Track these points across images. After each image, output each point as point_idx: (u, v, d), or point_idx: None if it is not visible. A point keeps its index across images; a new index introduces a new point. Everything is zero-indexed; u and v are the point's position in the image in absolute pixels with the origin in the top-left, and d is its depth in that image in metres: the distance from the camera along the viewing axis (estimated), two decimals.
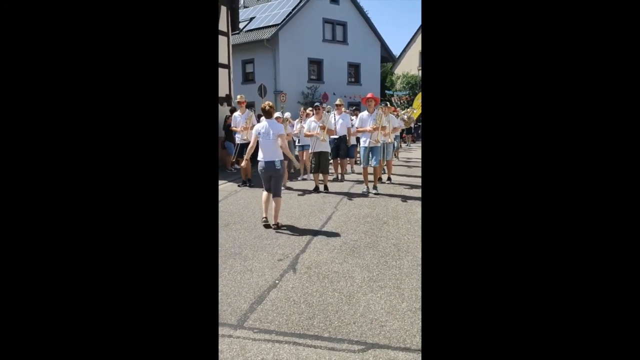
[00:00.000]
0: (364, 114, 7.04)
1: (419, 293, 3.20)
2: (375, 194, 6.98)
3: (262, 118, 5.24)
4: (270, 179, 5.06)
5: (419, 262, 3.87)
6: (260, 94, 14.85)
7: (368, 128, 6.79)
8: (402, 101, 19.71)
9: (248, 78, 20.18)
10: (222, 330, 2.72)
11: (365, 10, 22.45)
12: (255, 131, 5.19)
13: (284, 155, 5.18)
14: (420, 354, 2.36)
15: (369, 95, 7.11)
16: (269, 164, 5.00)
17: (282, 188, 5.71)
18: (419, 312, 2.90)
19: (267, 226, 5.04)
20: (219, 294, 3.25)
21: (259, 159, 5.12)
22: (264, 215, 5.10)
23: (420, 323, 2.73)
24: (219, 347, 2.50)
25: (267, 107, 5.09)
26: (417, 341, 2.57)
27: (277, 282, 3.49)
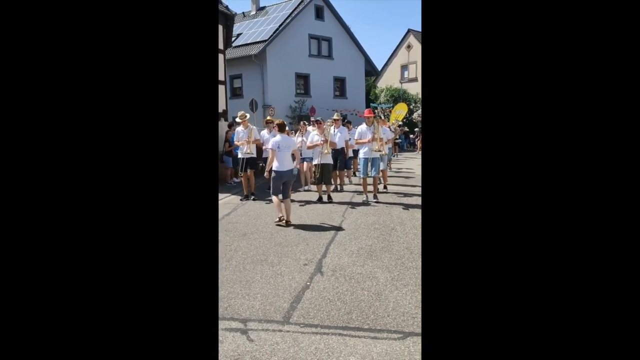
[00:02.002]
0: (363, 126, 7.53)
1: None
2: (376, 202, 7.35)
3: (265, 132, 5.97)
4: (284, 184, 5.89)
5: None
6: (251, 109, 15.18)
7: (367, 139, 7.26)
8: (385, 113, 20.23)
9: (236, 93, 20.46)
10: (271, 326, 3.00)
11: (349, 26, 23.11)
12: (274, 144, 5.83)
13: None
14: None
15: (366, 113, 7.83)
16: (288, 172, 5.90)
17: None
18: None
19: (287, 224, 5.79)
20: (258, 295, 3.54)
21: (274, 168, 5.85)
22: (280, 215, 5.90)
23: None
24: (273, 340, 2.79)
25: (283, 124, 5.98)
26: None
27: (308, 284, 3.79)
